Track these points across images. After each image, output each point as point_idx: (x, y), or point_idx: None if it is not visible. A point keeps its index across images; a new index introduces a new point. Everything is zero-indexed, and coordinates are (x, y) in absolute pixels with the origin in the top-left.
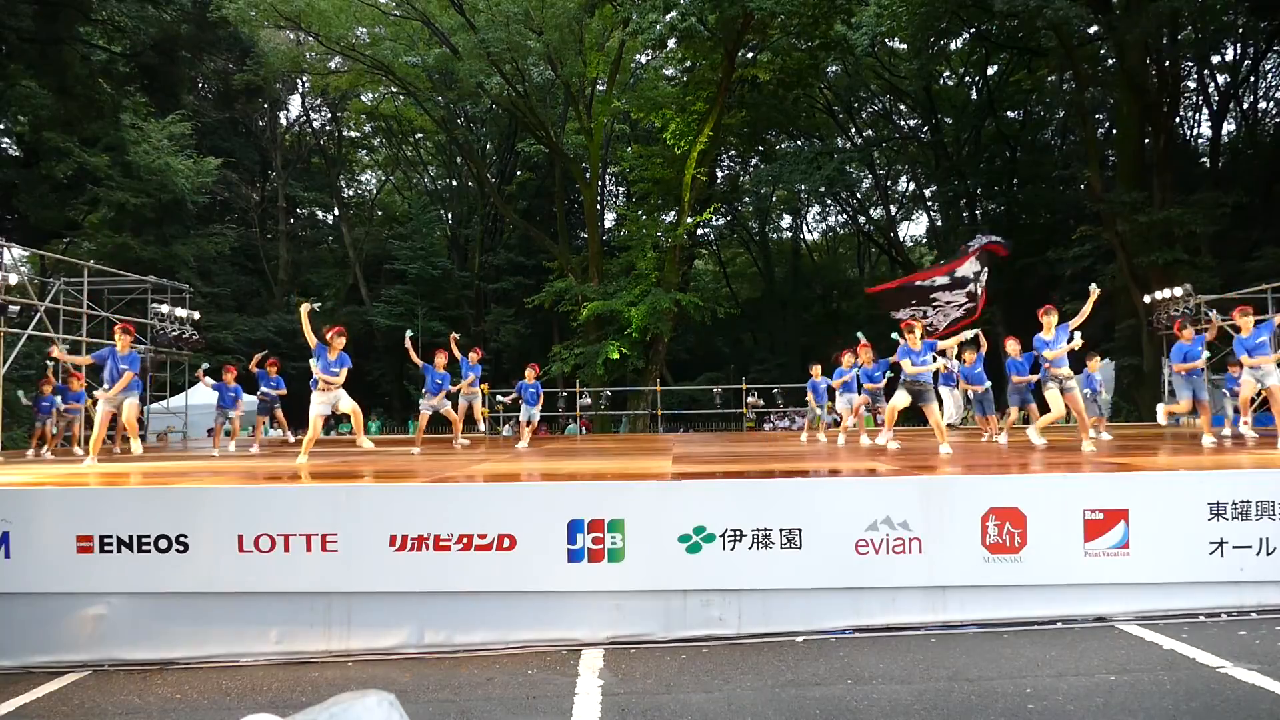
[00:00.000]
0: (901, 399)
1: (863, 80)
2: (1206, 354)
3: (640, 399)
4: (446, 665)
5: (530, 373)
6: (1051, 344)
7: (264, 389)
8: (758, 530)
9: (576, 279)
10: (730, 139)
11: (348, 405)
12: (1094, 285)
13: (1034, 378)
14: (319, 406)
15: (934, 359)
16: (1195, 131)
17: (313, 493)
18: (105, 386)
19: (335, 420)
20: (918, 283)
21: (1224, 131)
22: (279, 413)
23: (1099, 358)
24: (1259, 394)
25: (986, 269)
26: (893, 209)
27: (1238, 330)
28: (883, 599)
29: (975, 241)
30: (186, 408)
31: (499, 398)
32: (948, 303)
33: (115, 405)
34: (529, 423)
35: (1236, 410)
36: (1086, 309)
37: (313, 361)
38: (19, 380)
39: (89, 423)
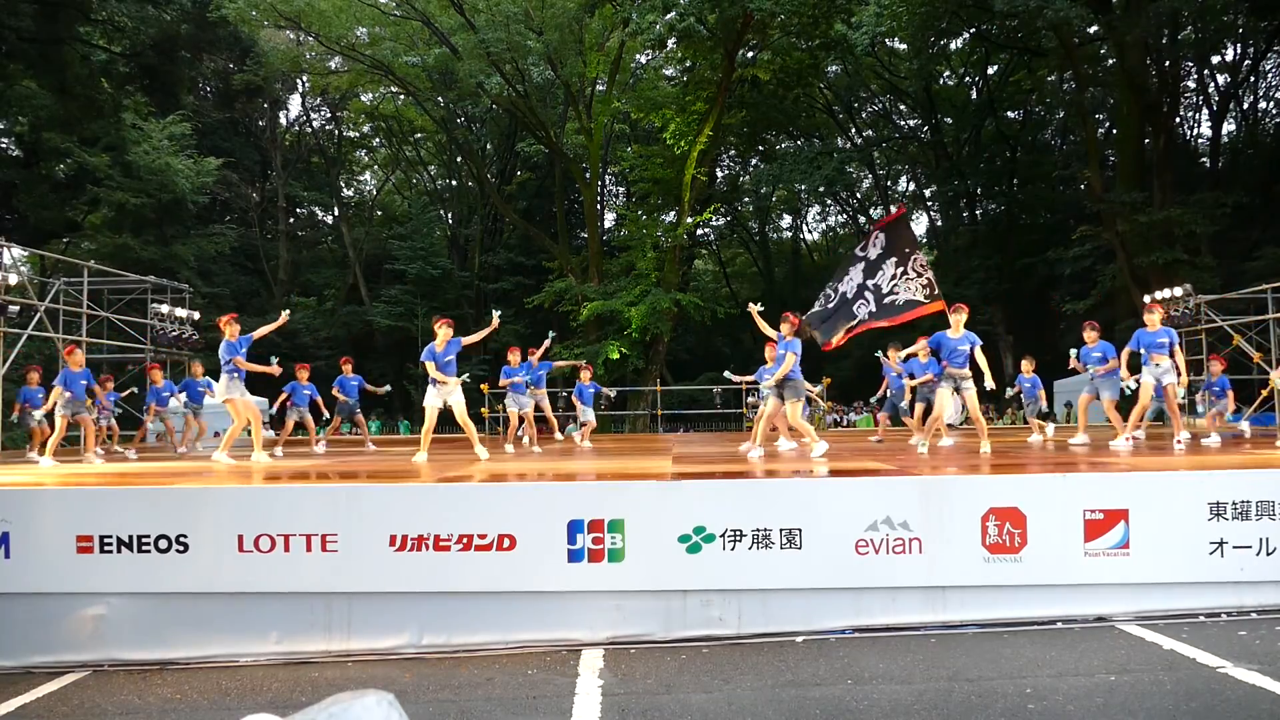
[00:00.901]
0: (773, 404)
1: (863, 80)
2: (1099, 355)
3: (640, 399)
4: (446, 665)
5: (585, 374)
6: (955, 345)
7: (343, 393)
8: (758, 530)
9: (576, 279)
10: (730, 139)
11: (458, 408)
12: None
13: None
14: (433, 399)
15: (794, 355)
16: (1195, 131)
17: (313, 493)
18: (238, 377)
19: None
20: (827, 304)
21: (1224, 131)
22: (359, 415)
23: (1033, 360)
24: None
25: (908, 248)
26: (893, 209)
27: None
28: (883, 599)
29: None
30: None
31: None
32: (879, 288)
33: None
34: (585, 424)
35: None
36: (987, 373)
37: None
38: (20, 381)
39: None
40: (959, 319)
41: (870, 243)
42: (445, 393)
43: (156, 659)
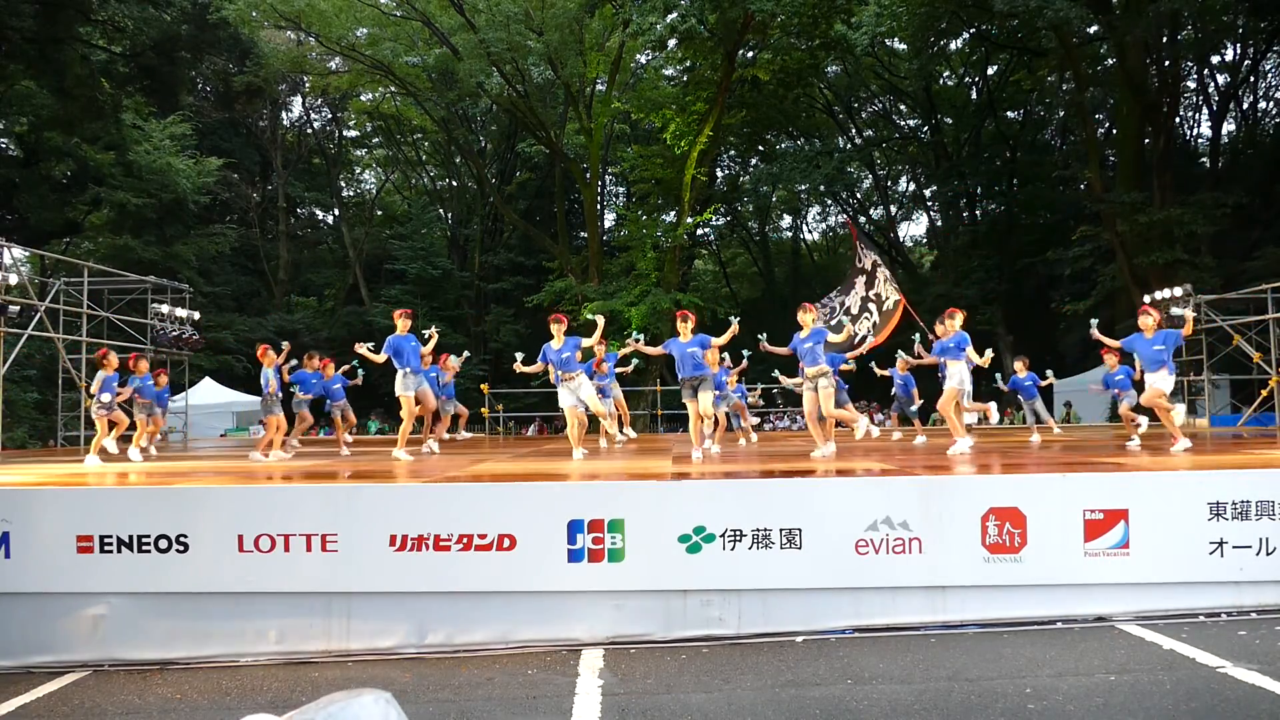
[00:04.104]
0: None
1: (863, 80)
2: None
3: (640, 399)
4: (446, 665)
5: (602, 365)
6: (800, 344)
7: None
8: (758, 530)
9: (576, 279)
10: (730, 139)
11: (589, 396)
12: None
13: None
14: (566, 398)
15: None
16: (1195, 131)
17: (313, 493)
18: (406, 372)
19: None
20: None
21: (1224, 131)
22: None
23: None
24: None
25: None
26: (893, 209)
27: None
28: (883, 599)
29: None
30: (187, 408)
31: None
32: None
33: (415, 390)
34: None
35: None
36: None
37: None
38: (20, 381)
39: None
40: (807, 318)
41: (861, 254)
42: (574, 388)
43: (156, 659)
